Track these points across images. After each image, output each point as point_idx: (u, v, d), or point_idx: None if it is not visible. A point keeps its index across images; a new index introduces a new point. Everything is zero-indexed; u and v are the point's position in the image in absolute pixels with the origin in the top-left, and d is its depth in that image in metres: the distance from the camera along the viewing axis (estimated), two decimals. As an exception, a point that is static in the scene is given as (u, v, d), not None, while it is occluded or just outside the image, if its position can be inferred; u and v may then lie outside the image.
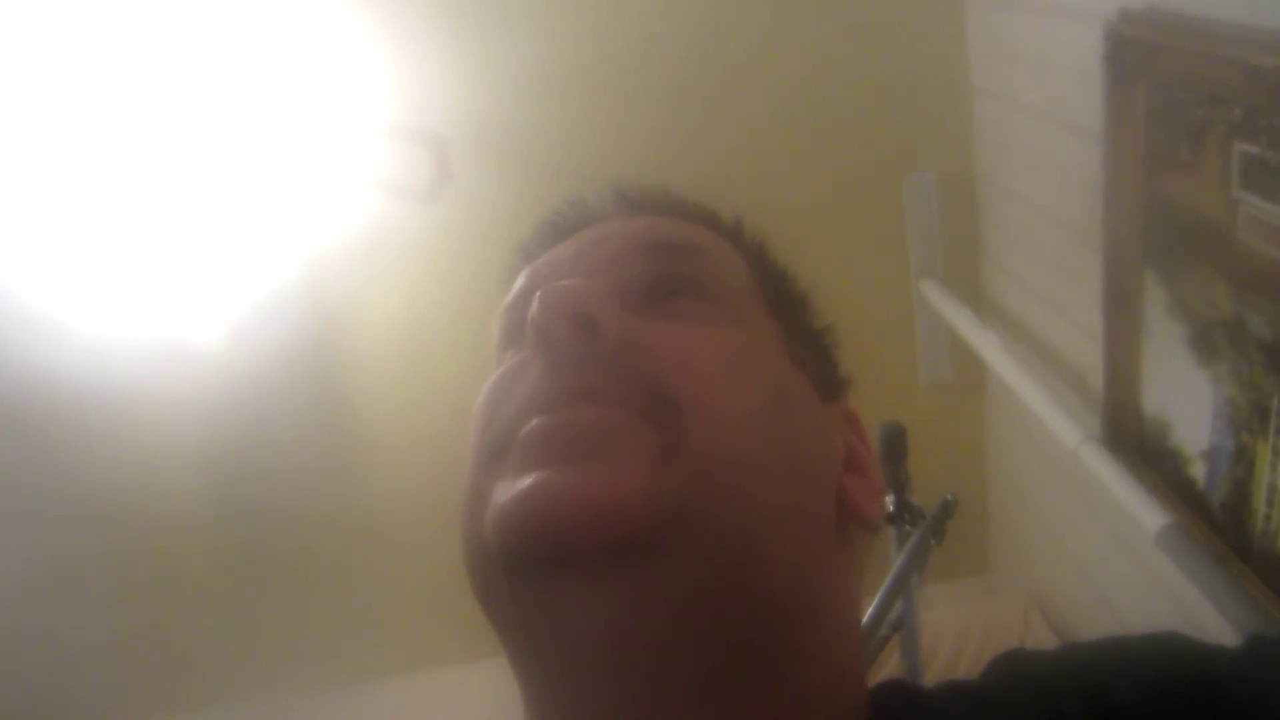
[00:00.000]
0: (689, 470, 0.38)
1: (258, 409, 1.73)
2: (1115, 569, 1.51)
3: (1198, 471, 1.16)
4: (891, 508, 1.13)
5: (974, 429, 1.97)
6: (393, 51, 1.59)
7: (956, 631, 1.80)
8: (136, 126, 1.55)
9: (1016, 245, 1.67)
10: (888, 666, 1.64)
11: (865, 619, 0.98)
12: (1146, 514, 1.15)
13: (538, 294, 0.40)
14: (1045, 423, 1.38)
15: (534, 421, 0.39)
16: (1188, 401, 1.15)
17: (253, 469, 1.81)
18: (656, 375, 0.40)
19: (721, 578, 0.38)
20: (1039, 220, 1.56)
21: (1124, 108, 1.16)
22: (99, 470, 1.76)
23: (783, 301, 0.52)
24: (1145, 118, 1.13)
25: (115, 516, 1.80)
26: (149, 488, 1.79)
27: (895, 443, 1.13)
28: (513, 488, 0.37)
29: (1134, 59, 1.11)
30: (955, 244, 1.80)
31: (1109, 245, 1.25)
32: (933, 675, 1.77)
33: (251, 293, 1.66)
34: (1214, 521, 1.13)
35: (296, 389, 1.74)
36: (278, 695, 1.97)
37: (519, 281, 0.50)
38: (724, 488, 0.38)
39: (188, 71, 1.53)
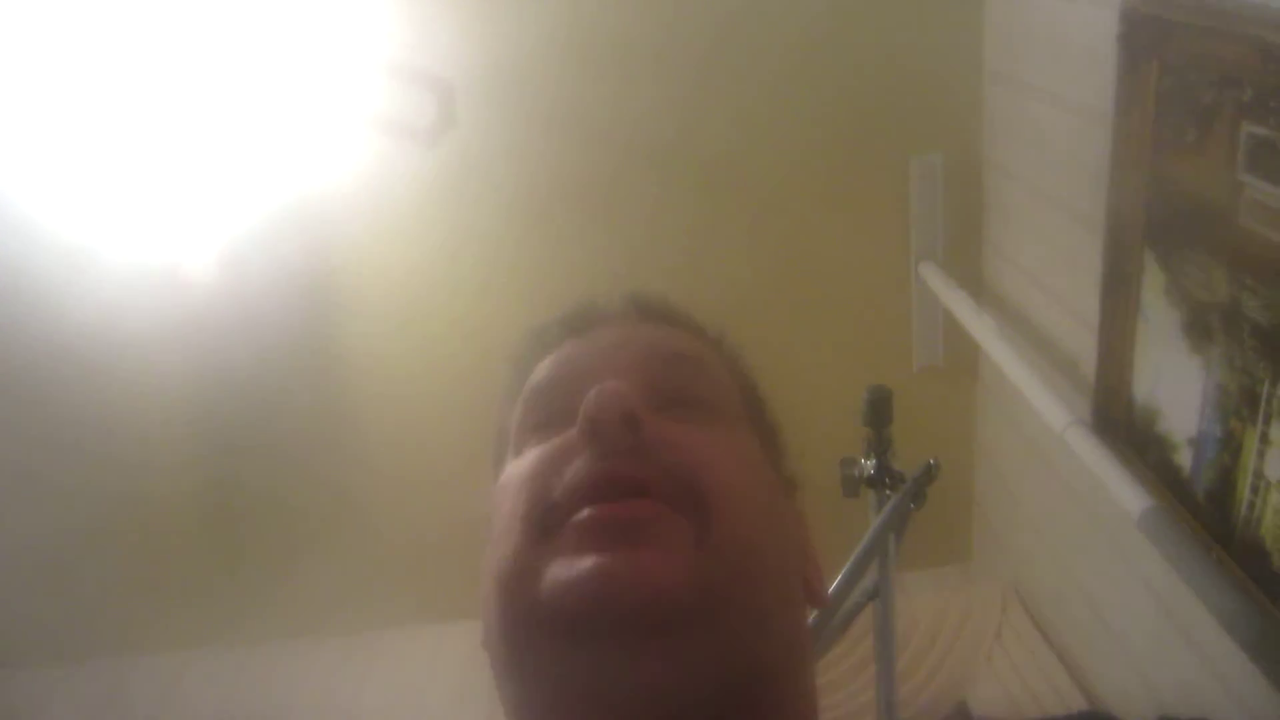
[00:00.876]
0: (716, 555, 0.44)
1: (249, 341, 1.72)
2: (1097, 559, 1.51)
3: (1184, 458, 1.15)
4: (873, 471, 1.13)
5: (965, 416, 1.96)
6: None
7: (934, 616, 1.80)
8: (140, 56, 1.54)
9: (1019, 230, 1.67)
10: (863, 645, 1.64)
11: (839, 579, 0.98)
12: (1130, 497, 1.15)
13: (594, 391, 0.47)
14: (1034, 406, 1.38)
15: (588, 510, 0.45)
16: (1178, 387, 1.14)
17: (241, 405, 1.80)
18: (687, 471, 0.47)
19: (735, 646, 0.44)
20: (1043, 206, 1.55)
21: (1135, 88, 1.15)
22: (84, 398, 1.76)
23: (755, 408, 0.59)
24: (1156, 99, 1.12)
25: (99, 445, 1.80)
26: (133, 416, 1.79)
27: (881, 406, 1.13)
28: (574, 565, 0.43)
29: (1148, 37, 1.11)
30: (958, 227, 1.79)
31: (1110, 227, 1.24)
32: (908, 659, 1.77)
33: (249, 227, 1.66)
34: (1198, 508, 1.13)
35: (290, 326, 1.74)
36: (253, 641, 1.97)
37: (548, 369, 0.56)
38: (741, 569, 0.45)
39: (198, 7, 1.52)
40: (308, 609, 1.96)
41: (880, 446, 1.14)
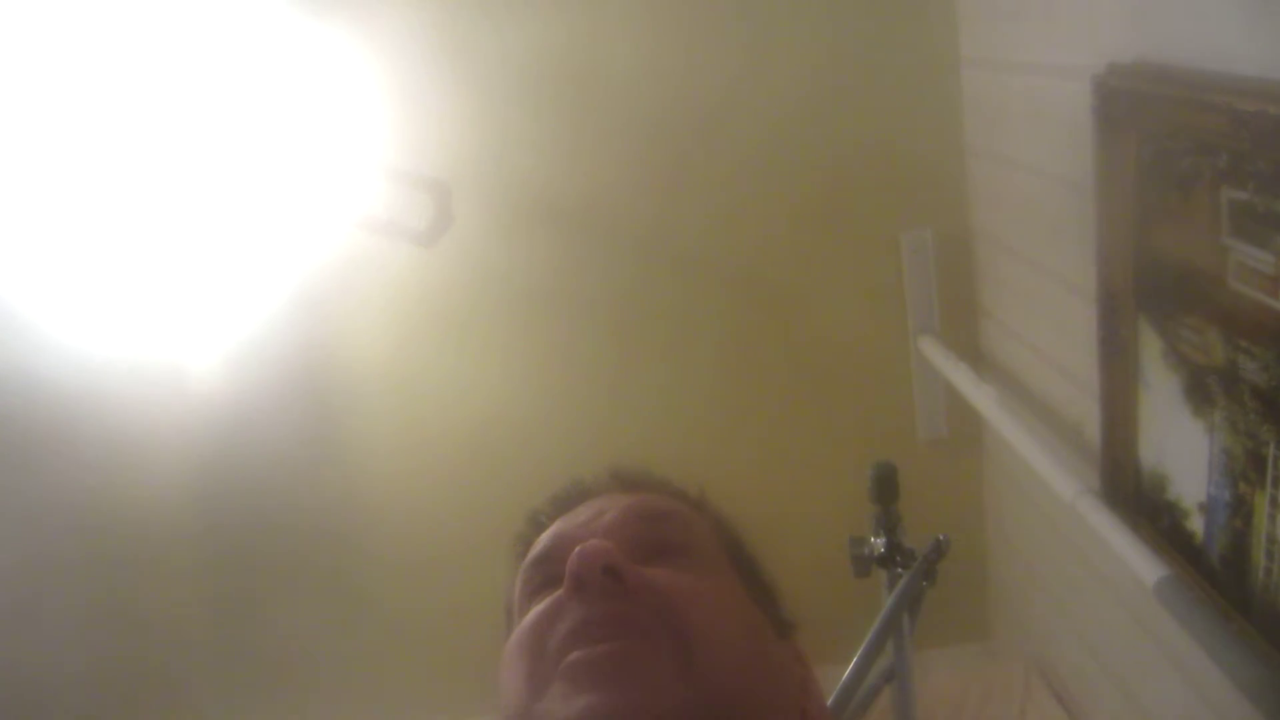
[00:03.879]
0: (699, 685, 0.48)
1: (251, 438, 1.72)
2: (1117, 630, 1.47)
3: (1196, 524, 1.14)
4: (883, 549, 1.12)
5: (972, 488, 1.95)
6: (398, 99, 1.63)
7: (955, 697, 1.75)
8: (142, 158, 1.58)
9: (1014, 301, 1.68)
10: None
11: (854, 661, 0.96)
12: (1144, 567, 1.13)
13: (576, 551, 0.51)
14: (1042, 477, 1.37)
15: (575, 654, 0.49)
16: (1184, 452, 1.13)
17: (243, 499, 1.79)
18: (668, 609, 0.51)
19: None
20: (1035, 276, 1.57)
21: (1114, 159, 1.17)
22: (89, 493, 1.75)
23: (740, 559, 0.65)
24: (1135, 168, 1.14)
25: (104, 540, 1.79)
26: (139, 512, 1.78)
27: (887, 482, 1.12)
28: (571, 706, 0.47)
29: (1123, 110, 1.13)
30: (953, 300, 1.81)
31: (1103, 296, 1.25)
32: (931, 742, 1.72)
33: (249, 323, 1.68)
34: (1214, 576, 1.11)
35: (290, 420, 1.74)
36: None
37: (541, 544, 0.62)
38: (723, 696, 0.48)
39: (195, 108, 1.57)
40: (319, 711, 1.93)
41: (889, 523, 1.13)
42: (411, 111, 1.63)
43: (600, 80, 1.66)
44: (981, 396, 1.57)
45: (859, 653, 0.96)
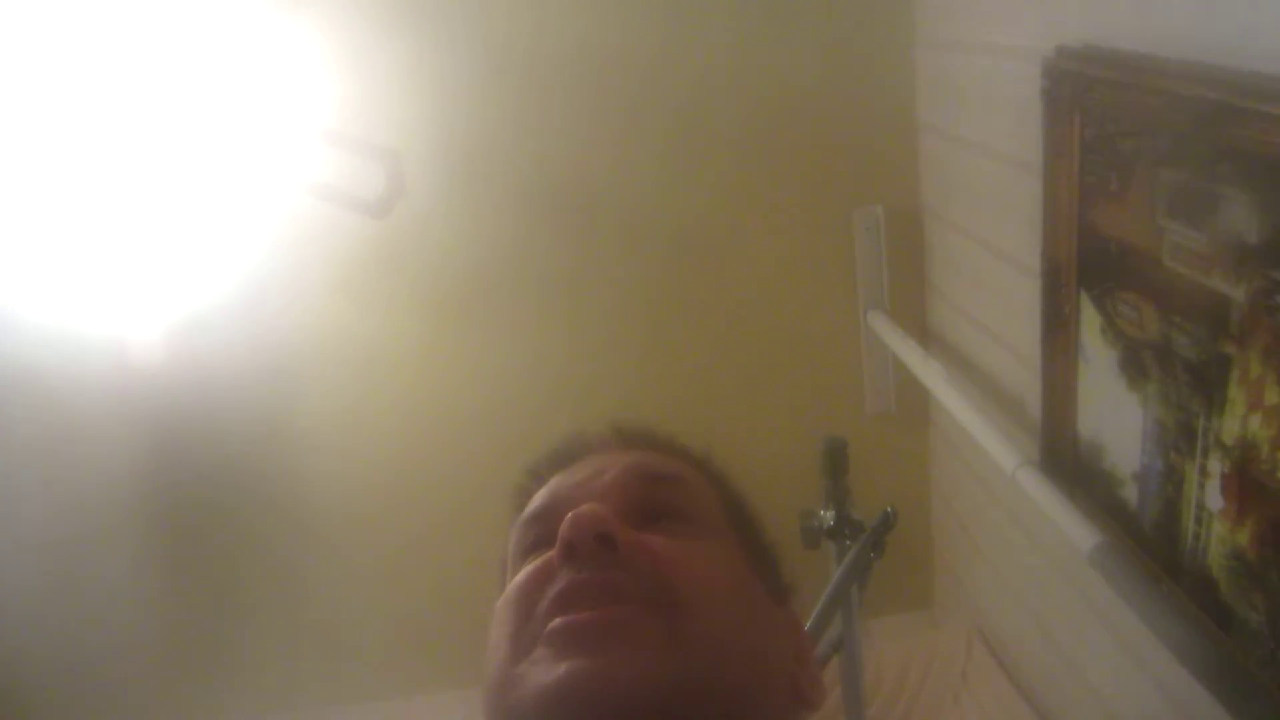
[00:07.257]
0: (686, 650, 0.48)
1: (198, 413, 1.70)
2: (1054, 596, 1.53)
3: (1130, 493, 1.18)
4: (832, 522, 1.14)
5: (919, 461, 1.99)
6: (347, 66, 1.60)
7: (899, 663, 1.80)
8: (84, 121, 1.54)
9: (961, 277, 1.71)
10: (831, 695, 1.64)
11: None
12: (1080, 534, 1.17)
13: (569, 516, 0.51)
14: (985, 450, 1.41)
15: (559, 620, 0.48)
16: (1120, 424, 1.18)
17: (192, 474, 1.77)
18: (660, 577, 0.50)
19: None
20: (982, 253, 1.60)
21: (1060, 140, 1.20)
22: (33, 472, 1.72)
23: (741, 522, 0.64)
24: (1080, 149, 1.17)
25: (50, 520, 1.75)
26: (82, 488, 1.75)
27: (837, 456, 1.14)
28: (549, 673, 0.47)
29: (1069, 92, 1.16)
30: (903, 276, 1.84)
31: (1046, 273, 1.29)
32: (877, 708, 1.77)
33: (198, 302, 1.65)
34: (1146, 542, 1.15)
35: (239, 395, 1.72)
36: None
37: (536, 501, 0.61)
38: (710, 664, 0.49)
39: (138, 75, 1.53)
40: (276, 682, 1.92)
41: (839, 497, 1.16)
42: (361, 79, 1.61)
43: (549, 48, 1.64)
44: (928, 371, 1.61)
45: (808, 624, 0.99)
